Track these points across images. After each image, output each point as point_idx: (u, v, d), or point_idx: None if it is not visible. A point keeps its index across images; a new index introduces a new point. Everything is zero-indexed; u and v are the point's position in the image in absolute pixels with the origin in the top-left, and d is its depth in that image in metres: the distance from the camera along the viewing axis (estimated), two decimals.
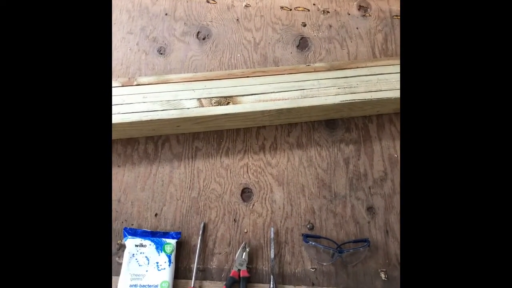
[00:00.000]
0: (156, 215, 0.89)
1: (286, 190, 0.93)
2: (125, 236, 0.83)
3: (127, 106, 0.92)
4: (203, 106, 0.93)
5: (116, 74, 1.04)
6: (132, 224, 0.87)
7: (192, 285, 0.80)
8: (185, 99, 0.94)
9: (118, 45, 1.09)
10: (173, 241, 0.84)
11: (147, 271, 0.80)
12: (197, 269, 0.83)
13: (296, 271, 0.85)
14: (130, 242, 0.82)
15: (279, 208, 0.91)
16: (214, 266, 0.84)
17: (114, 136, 0.95)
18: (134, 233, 0.83)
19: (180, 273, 0.83)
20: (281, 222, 0.89)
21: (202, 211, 0.90)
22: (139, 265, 0.80)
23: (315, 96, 0.96)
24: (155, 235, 0.84)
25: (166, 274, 0.80)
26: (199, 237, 0.86)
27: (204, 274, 0.83)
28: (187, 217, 0.89)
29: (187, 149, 0.96)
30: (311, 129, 1.00)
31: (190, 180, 0.93)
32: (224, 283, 0.81)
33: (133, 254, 0.81)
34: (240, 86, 0.96)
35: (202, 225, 0.87)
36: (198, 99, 0.94)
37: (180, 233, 0.85)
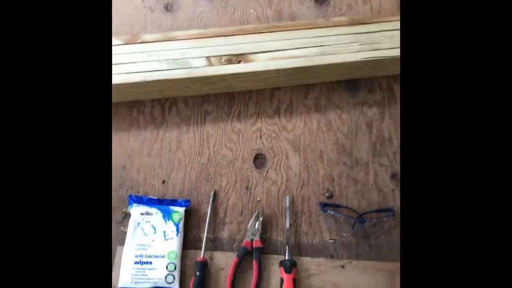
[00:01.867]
0: (163, 182, 0.83)
1: (302, 156, 0.85)
2: (130, 204, 0.78)
3: (130, 66, 0.85)
4: (212, 65, 0.86)
5: (120, 34, 0.97)
6: (138, 192, 0.82)
7: (202, 256, 0.75)
8: (193, 57, 0.86)
9: (122, 3, 1.01)
10: (181, 209, 0.78)
11: (153, 240, 0.75)
12: (207, 239, 0.78)
13: (314, 242, 0.78)
14: (136, 210, 0.77)
15: (295, 175, 0.84)
16: (225, 236, 0.79)
17: (118, 98, 0.88)
18: (140, 200, 0.78)
19: (189, 243, 0.78)
20: (297, 190, 0.82)
21: (212, 178, 0.84)
22: (145, 235, 0.75)
23: (335, 53, 0.87)
24: (162, 203, 0.79)
25: (173, 243, 0.75)
26: (209, 206, 0.80)
27: (214, 244, 0.78)
28: (196, 184, 0.83)
29: (196, 112, 0.90)
30: (331, 90, 0.92)
31: (200, 146, 0.87)
32: (236, 253, 0.75)
33: (139, 223, 0.76)
34: (252, 42, 0.88)
35: (212, 192, 0.81)
36: (207, 57, 0.86)
37: (189, 200, 0.80)
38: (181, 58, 0.86)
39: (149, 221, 0.76)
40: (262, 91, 0.91)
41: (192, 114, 0.89)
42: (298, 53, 0.87)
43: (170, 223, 0.76)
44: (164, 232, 0.76)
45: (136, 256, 0.73)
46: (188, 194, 0.82)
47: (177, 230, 0.76)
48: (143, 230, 0.75)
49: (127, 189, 0.82)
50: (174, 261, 0.73)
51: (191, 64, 0.85)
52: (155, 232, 0.75)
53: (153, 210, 0.77)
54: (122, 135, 0.87)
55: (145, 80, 0.84)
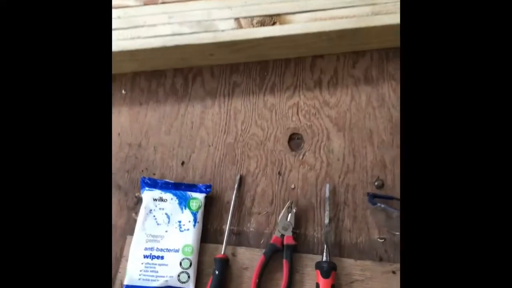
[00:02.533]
0: (182, 163, 0.72)
1: (348, 137, 0.71)
2: (142, 187, 0.67)
3: (149, 29, 0.74)
4: (242, 28, 0.73)
5: None
6: (154, 174, 0.71)
7: (223, 252, 0.64)
8: (219, 19, 0.73)
9: None
10: (200, 196, 0.67)
11: (166, 231, 0.64)
12: (230, 231, 0.66)
13: (359, 241, 0.64)
14: (148, 195, 0.66)
15: (338, 160, 0.69)
16: (251, 229, 0.66)
17: (135, 67, 0.78)
18: (154, 184, 0.67)
19: (208, 236, 0.66)
20: (339, 177, 0.68)
21: (239, 161, 0.71)
22: (157, 224, 0.64)
23: (391, 13, 0.71)
24: (179, 187, 0.67)
25: (190, 236, 0.64)
26: (234, 193, 0.68)
27: (238, 238, 0.66)
28: (220, 167, 0.71)
29: (223, 84, 0.77)
30: (384, 58, 0.76)
31: (226, 123, 0.74)
32: (263, 251, 0.63)
33: (151, 210, 0.65)
34: (289, 1, 0.74)
35: (238, 177, 0.69)
36: (236, 18, 0.73)
37: (210, 186, 0.68)
38: (206, 20, 0.73)
39: (163, 209, 0.65)
40: (301, 59, 0.77)
41: (218, 86, 0.77)
42: (345, 13, 0.72)
43: (187, 211, 0.65)
44: (180, 222, 0.64)
45: (146, 249, 0.62)
46: (210, 178, 0.70)
47: (195, 220, 0.65)
48: (155, 219, 0.65)
49: (142, 171, 0.71)
50: (189, 257, 0.62)
51: (217, 27, 0.73)
52: (169, 222, 0.64)
53: (167, 195, 0.66)
54: (139, 109, 0.77)
55: (165, 45, 0.73)
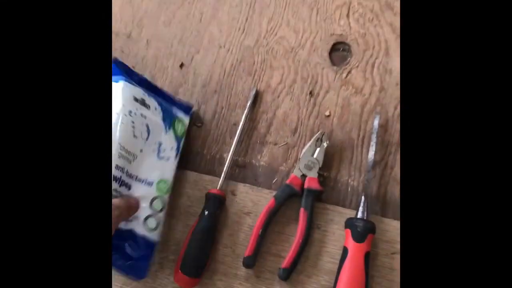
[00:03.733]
0: (181, 65, 0.53)
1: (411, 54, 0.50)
2: (115, 73, 0.45)
3: None
4: None
5: None
6: (143, 75, 0.52)
7: (218, 186, 0.46)
8: None
9: None
10: (186, 118, 0.50)
11: (141, 151, 0.45)
12: (233, 162, 0.48)
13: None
14: (127, 91, 0.45)
15: (396, 85, 0.49)
16: (262, 163, 0.48)
17: None
18: (130, 74, 0.47)
19: (202, 163, 0.48)
20: (395, 108, 0.48)
21: (257, 71, 0.52)
22: (134, 136, 0.44)
23: None
24: (161, 94, 0.49)
25: (169, 168, 0.47)
26: (245, 112, 0.49)
27: (243, 172, 0.48)
28: (231, 76, 0.52)
29: None
30: None
31: (246, 18, 0.54)
32: (274, 193, 0.45)
33: (130, 112, 0.44)
34: None
35: (253, 92, 0.50)
36: None
37: (190, 108, 0.51)
38: None
39: (145, 117, 0.45)
40: None
41: None
42: None
43: (170, 133, 0.47)
44: (160, 144, 0.46)
45: (116, 168, 0.42)
46: (216, 89, 0.52)
47: (177, 148, 0.48)
48: (133, 127, 0.44)
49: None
50: (164, 196, 0.45)
51: None
52: (147, 139, 0.45)
53: (152, 102, 0.47)
54: None
55: None
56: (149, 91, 0.47)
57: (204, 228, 0.44)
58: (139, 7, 0.57)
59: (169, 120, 0.47)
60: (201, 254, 0.43)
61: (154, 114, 0.46)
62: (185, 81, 0.52)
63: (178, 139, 0.48)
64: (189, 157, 0.50)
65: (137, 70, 0.53)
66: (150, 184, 0.45)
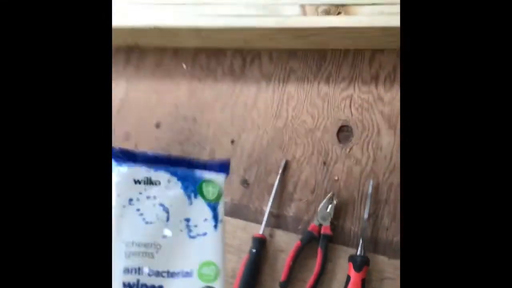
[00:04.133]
0: (232, 141, 0.75)
1: (398, 136, 0.70)
2: (116, 161, 0.38)
3: (213, 8, 0.76)
4: (306, 15, 0.73)
5: None
6: (205, 148, 0.74)
7: (261, 231, 0.67)
8: (284, 4, 0.74)
9: None
10: (219, 178, 0.42)
11: (164, 236, 0.38)
12: (270, 213, 0.69)
13: (395, 240, 0.65)
14: (123, 176, 0.38)
15: (385, 158, 0.69)
16: (290, 214, 0.69)
17: (198, 43, 0.80)
18: (131, 158, 0.39)
19: (249, 214, 0.69)
20: (384, 175, 0.68)
21: (286, 146, 0.73)
22: (145, 223, 0.37)
23: None
24: (177, 163, 0.40)
25: (209, 245, 0.39)
26: (278, 176, 0.70)
27: (277, 221, 0.69)
28: (267, 150, 0.73)
29: (279, 69, 0.78)
30: None
31: (277, 107, 0.76)
32: (300, 237, 0.65)
33: (131, 200, 0.37)
34: None
35: (283, 162, 0.71)
36: (302, 5, 0.73)
37: (226, 164, 0.43)
38: (272, 4, 0.74)
39: (155, 197, 0.38)
40: (360, 52, 0.76)
41: (275, 71, 0.78)
42: None
43: (199, 202, 0.40)
44: (188, 221, 0.39)
45: (126, 272, 0.35)
46: (257, 160, 0.73)
47: (215, 218, 0.40)
48: (141, 214, 0.37)
49: (194, 144, 0.75)
50: (212, 285, 0.38)
51: (282, 12, 0.73)
52: (168, 220, 0.38)
53: (162, 175, 0.39)
54: (197, 85, 0.80)
55: (228, 25, 0.74)
56: (157, 166, 0.39)
57: (253, 261, 0.64)
58: (201, 98, 0.79)
59: (192, 188, 0.40)
60: (251, 280, 0.64)
61: (168, 188, 0.39)
62: (235, 154, 0.74)
63: (211, 205, 0.40)
64: (241, 210, 0.71)
65: (201, 145, 0.75)
66: (189, 274, 0.37)
